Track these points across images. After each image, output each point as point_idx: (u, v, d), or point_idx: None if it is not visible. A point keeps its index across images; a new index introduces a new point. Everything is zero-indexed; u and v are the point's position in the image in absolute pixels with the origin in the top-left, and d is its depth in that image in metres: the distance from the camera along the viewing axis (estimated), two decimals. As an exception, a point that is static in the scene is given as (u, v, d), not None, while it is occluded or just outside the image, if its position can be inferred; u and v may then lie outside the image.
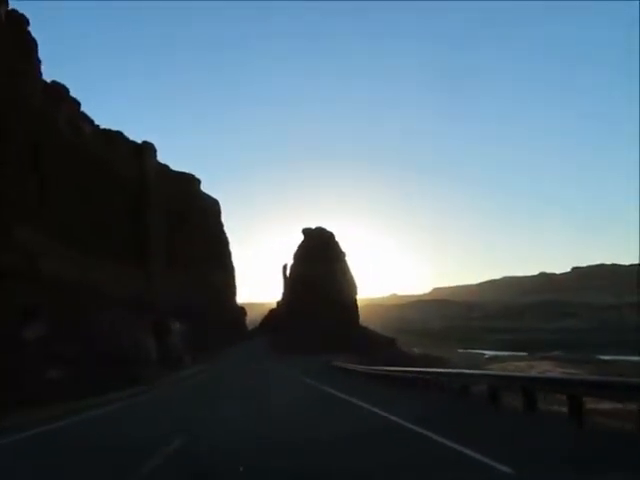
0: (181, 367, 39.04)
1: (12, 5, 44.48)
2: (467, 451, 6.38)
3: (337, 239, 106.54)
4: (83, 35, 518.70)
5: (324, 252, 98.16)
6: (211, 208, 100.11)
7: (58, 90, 54.58)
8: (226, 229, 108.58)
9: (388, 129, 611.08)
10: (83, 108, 60.72)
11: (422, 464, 6.12)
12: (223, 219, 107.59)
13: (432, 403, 13.68)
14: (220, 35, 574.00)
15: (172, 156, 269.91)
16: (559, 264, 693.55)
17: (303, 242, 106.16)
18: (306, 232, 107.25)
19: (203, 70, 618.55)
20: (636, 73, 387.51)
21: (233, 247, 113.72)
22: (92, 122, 63.95)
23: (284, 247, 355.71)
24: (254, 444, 7.69)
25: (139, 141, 74.17)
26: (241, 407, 13.50)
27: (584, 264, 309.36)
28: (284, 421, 10.85)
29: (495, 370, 31.73)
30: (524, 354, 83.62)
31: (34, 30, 47.08)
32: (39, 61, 47.98)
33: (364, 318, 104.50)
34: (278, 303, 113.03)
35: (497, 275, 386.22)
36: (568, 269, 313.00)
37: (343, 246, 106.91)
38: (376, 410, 11.50)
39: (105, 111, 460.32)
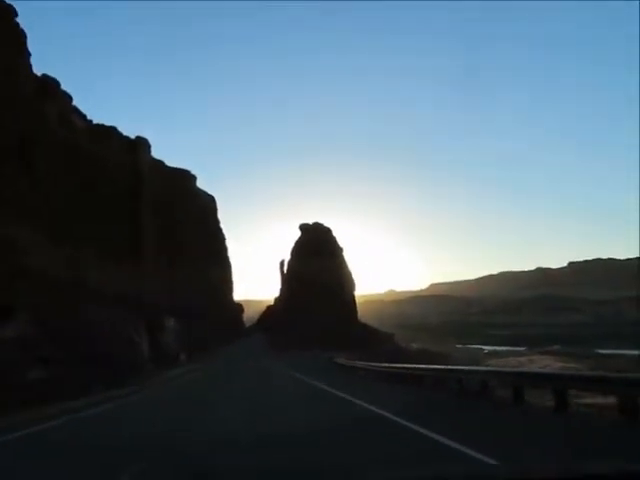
0: (175, 365, 38.09)
1: (-1, -4, 43.31)
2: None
3: (334, 235, 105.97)
4: (74, 28, 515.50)
5: (322, 247, 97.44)
6: (207, 204, 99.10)
7: (49, 84, 53.44)
8: (222, 226, 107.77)
9: (386, 125, 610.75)
10: (75, 103, 59.74)
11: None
12: (219, 216, 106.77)
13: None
14: (217, 30, 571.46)
15: (167, 152, 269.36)
16: (556, 259, 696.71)
17: (300, 238, 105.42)
18: (303, 228, 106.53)
19: (198, 64, 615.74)
20: (634, 70, 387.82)
21: (230, 244, 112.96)
22: (84, 117, 62.91)
23: (281, 243, 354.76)
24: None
25: (133, 136, 73.21)
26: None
27: (580, 259, 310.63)
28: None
29: (506, 366, 30.86)
30: (523, 349, 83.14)
31: (22, 22, 46.00)
32: (29, 54, 46.83)
33: (362, 314, 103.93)
34: (276, 300, 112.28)
35: (494, 270, 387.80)
36: (564, 264, 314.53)
37: (340, 242, 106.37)
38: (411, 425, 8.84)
39: (98, 106, 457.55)
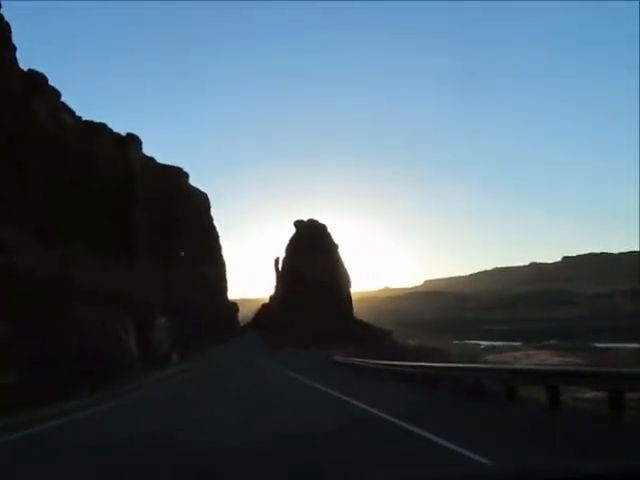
0: (167, 365, 37.23)
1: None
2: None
3: (329, 231, 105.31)
4: (62, 22, 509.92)
5: (317, 244, 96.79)
6: (200, 202, 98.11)
7: (37, 80, 52.34)
8: (216, 223, 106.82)
9: (379, 123, 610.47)
10: (64, 99, 58.65)
11: None
12: (212, 213, 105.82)
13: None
14: (209, 26, 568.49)
15: (158, 149, 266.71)
16: (549, 254, 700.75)
17: (295, 235, 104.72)
18: (298, 224, 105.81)
19: (190, 61, 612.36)
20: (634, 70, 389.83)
21: (224, 242, 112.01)
22: (73, 113, 61.79)
23: (276, 242, 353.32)
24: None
25: (123, 133, 72.19)
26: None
27: (574, 253, 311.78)
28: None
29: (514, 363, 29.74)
30: (519, 344, 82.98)
31: (7, 15, 44.91)
32: (14, 47, 45.73)
33: (357, 311, 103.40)
34: (271, 298, 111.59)
35: (488, 266, 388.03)
36: (559, 259, 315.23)
37: (335, 240, 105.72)
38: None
39: (88, 103, 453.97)
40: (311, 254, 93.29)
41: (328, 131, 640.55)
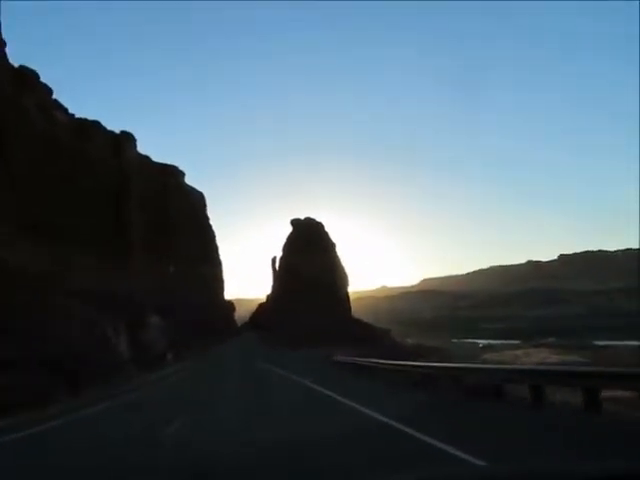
0: (161, 366, 36.26)
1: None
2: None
3: (326, 230, 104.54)
4: (56, 20, 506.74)
5: (314, 242, 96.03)
6: (196, 201, 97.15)
7: (27, 76, 51.42)
8: (212, 223, 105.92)
9: (375, 122, 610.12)
10: (57, 97, 57.78)
11: None
12: (209, 213, 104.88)
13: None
14: (208, 24, 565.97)
15: (154, 148, 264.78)
16: (546, 252, 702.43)
17: (292, 233, 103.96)
18: (295, 223, 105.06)
19: (187, 58, 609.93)
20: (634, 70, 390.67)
21: (220, 242, 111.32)
22: (66, 111, 60.85)
23: (272, 241, 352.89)
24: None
25: (117, 131, 71.23)
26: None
27: (570, 251, 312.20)
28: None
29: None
30: (517, 342, 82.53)
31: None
32: (4, 42, 44.80)
33: (355, 311, 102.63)
34: (268, 297, 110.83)
35: (485, 265, 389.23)
36: (555, 257, 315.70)
37: (333, 238, 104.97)
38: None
39: (82, 100, 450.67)
40: (308, 252, 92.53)
41: (326, 130, 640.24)
